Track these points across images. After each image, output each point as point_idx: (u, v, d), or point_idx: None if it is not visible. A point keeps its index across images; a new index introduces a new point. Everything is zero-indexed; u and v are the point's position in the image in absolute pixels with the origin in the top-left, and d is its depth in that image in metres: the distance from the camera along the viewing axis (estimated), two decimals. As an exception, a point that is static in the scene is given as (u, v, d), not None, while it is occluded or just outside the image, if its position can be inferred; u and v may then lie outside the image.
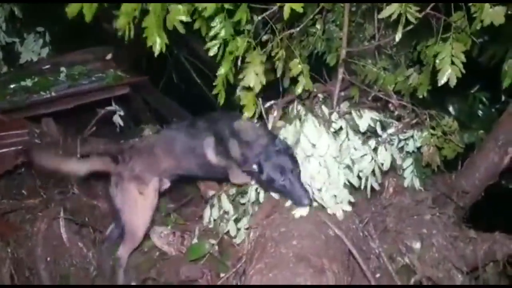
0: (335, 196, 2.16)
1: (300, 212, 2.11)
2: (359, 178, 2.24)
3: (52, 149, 2.86)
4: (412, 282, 2.10)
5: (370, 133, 2.26)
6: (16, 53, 3.61)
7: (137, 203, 2.48)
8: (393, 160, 2.40)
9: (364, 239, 2.24)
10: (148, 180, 2.51)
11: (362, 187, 2.25)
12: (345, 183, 2.19)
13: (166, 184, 2.67)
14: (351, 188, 2.22)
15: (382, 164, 2.23)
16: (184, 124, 2.60)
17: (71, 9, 1.74)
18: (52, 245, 2.52)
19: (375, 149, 2.22)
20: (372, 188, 2.30)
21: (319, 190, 2.16)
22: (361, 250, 2.13)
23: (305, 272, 1.82)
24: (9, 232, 2.50)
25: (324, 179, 2.15)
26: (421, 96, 2.22)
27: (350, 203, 2.17)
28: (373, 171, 2.21)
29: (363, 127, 2.19)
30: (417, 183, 2.43)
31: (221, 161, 2.42)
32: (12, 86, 3.18)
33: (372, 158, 2.18)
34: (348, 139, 2.19)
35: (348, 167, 2.19)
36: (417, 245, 2.20)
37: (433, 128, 2.30)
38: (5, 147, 2.70)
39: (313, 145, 2.14)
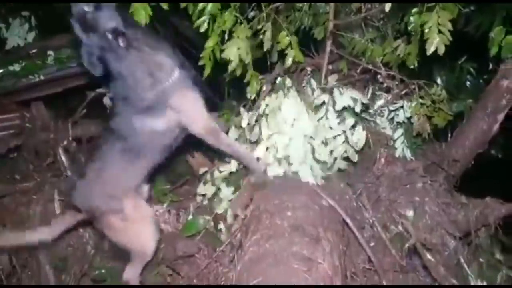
0: (307, 169, 2.17)
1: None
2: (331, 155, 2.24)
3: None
4: (406, 248, 2.11)
5: (350, 111, 2.24)
6: (1, 39, 3.52)
7: (128, 230, 2.31)
8: (384, 131, 2.42)
9: (358, 209, 2.25)
10: (121, 204, 2.29)
11: (333, 164, 2.25)
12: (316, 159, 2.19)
13: (145, 188, 2.54)
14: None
15: (356, 143, 2.23)
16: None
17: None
18: (48, 227, 2.48)
19: (353, 126, 2.22)
20: (364, 159, 2.32)
21: (291, 161, 2.18)
22: (355, 219, 2.14)
23: (300, 240, 1.83)
24: (5, 216, 2.46)
25: (298, 154, 2.16)
26: (411, 67, 2.20)
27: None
28: (345, 152, 2.22)
29: (339, 105, 2.17)
30: (408, 153, 2.44)
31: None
32: (0, 71, 3.11)
33: (346, 139, 2.18)
34: (327, 118, 2.19)
35: (322, 143, 2.18)
36: (410, 213, 2.21)
37: (422, 97, 2.30)
38: (-3, 131, 2.65)
39: (292, 120, 2.14)
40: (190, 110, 2.26)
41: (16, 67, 3.13)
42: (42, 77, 3.04)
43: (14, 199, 2.61)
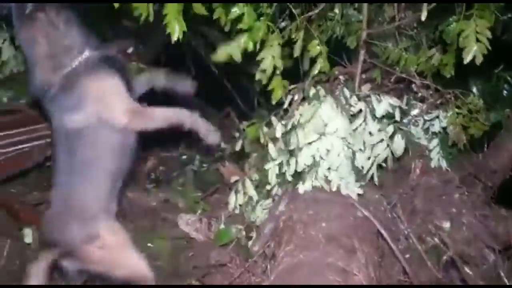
0: (342, 178, 2.15)
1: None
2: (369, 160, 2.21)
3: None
4: (442, 260, 2.07)
5: (389, 119, 2.22)
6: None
7: (111, 257, 2.10)
8: (419, 142, 2.40)
9: (393, 220, 2.23)
10: (95, 230, 2.08)
11: (368, 172, 2.22)
12: (353, 167, 2.19)
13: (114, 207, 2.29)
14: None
15: (396, 151, 2.21)
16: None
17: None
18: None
19: (391, 136, 2.18)
20: (399, 170, 2.29)
21: (328, 169, 2.16)
22: (390, 231, 2.11)
23: (335, 252, 1.83)
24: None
25: (332, 160, 2.14)
26: (448, 76, 2.18)
27: (361, 186, 2.17)
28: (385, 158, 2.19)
29: (379, 112, 2.15)
30: (444, 164, 2.40)
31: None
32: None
33: (388, 146, 2.15)
34: (366, 124, 2.16)
35: (360, 150, 2.17)
36: (446, 225, 2.17)
37: (458, 107, 2.26)
38: (34, 140, 2.73)
39: (325, 124, 2.12)
40: (104, 98, 1.96)
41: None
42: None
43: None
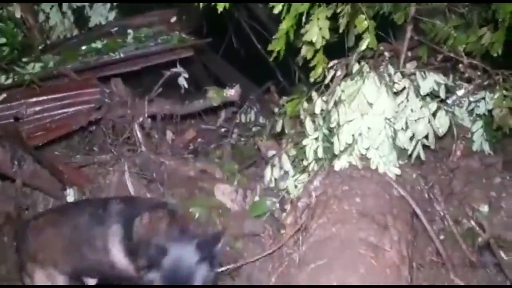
0: (382, 157, 2.16)
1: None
2: (411, 141, 2.21)
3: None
4: (478, 243, 2.09)
5: (433, 96, 2.21)
6: (85, 17, 3.79)
7: None
8: (462, 123, 2.38)
9: (429, 201, 2.24)
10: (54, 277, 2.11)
11: (413, 151, 2.22)
12: (395, 146, 2.19)
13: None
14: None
15: (439, 129, 2.17)
16: (95, 201, 2.18)
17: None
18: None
19: (434, 113, 2.16)
20: (439, 151, 2.30)
21: (367, 149, 2.18)
22: (426, 211, 2.14)
23: (368, 227, 1.87)
24: (85, 184, 2.69)
25: (373, 138, 2.15)
26: (495, 54, 2.14)
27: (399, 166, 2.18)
28: (426, 136, 2.17)
29: (424, 89, 2.14)
30: (486, 147, 2.39)
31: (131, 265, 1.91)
32: (83, 48, 3.35)
33: (429, 122, 2.13)
34: (408, 100, 2.15)
35: (402, 129, 2.17)
36: (484, 208, 2.18)
37: (506, 89, 2.23)
38: (78, 104, 2.87)
39: (370, 104, 2.12)
40: None
41: (98, 44, 3.36)
42: (121, 55, 3.20)
43: (93, 169, 2.81)
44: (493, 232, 2.07)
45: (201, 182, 2.95)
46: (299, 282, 1.72)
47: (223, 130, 3.70)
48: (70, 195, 2.65)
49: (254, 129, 3.61)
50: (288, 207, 2.48)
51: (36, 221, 2.25)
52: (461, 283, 2.04)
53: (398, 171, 2.16)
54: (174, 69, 3.06)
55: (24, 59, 3.17)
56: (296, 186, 2.52)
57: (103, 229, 2.00)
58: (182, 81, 3.10)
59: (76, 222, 2.09)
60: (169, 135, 3.31)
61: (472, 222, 2.18)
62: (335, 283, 1.63)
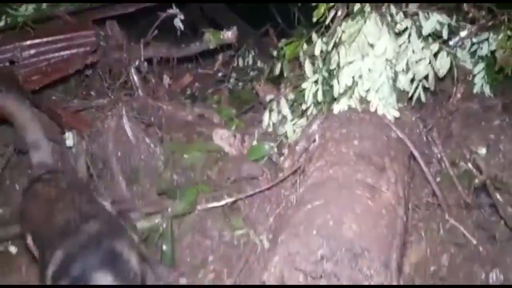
0: (382, 99, 2.15)
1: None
2: (411, 83, 2.20)
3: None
4: (475, 184, 2.11)
5: (435, 37, 2.16)
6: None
7: None
8: (463, 65, 2.35)
9: (427, 144, 2.25)
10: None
11: (413, 93, 2.21)
12: (395, 88, 2.17)
13: None
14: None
15: (439, 70, 2.14)
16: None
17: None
18: (122, 141, 2.71)
19: (435, 54, 2.13)
20: (439, 94, 2.28)
21: (367, 91, 2.17)
22: (423, 153, 2.15)
23: (365, 169, 1.87)
24: (83, 128, 2.69)
25: (374, 80, 2.14)
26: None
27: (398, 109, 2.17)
28: (427, 77, 2.15)
29: (427, 30, 2.09)
30: (487, 90, 2.37)
31: None
32: (76, -11, 3.24)
33: (430, 63, 2.11)
34: (409, 41, 2.12)
35: (402, 71, 2.15)
36: (482, 151, 2.19)
37: (511, 30, 2.17)
38: (74, 48, 2.82)
39: (371, 45, 2.09)
40: None
41: (92, -15, 3.23)
42: (116, -3, 3.10)
43: (91, 113, 2.81)
44: (490, 173, 2.09)
45: (199, 127, 2.94)
46: (296, 222, 1.74)
47: (220, 74, 3.66)
48: (69, 139, 2.64)
49: (252, 73, 3.58)
50: (286, 151, 2.50)
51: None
52: (456, 224, 2.07)
53: (397, 114, 2.15)
54: (170, 11, 2.96)
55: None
56: (294, 131, 2.53)
57: None
58: (178, 23, 3.02)
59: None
60: (166, 79, 3.27)
61: (469, 164, 2.19)
62: (331, 223, 1.65)
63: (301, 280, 1.72)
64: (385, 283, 1.55)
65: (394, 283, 1.57)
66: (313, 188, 1.91)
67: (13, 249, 2.57)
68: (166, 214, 2.41)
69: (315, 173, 1.99)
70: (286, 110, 2.57)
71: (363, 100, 2.18)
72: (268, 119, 2.66)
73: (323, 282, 1.71)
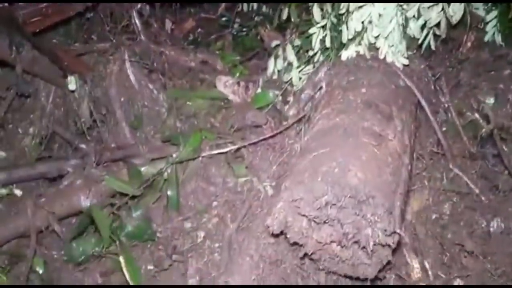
0: (391, 46, 2.11)
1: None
2: (422, 30, 2.14)
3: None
4: (481, 133, 2.11)
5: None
6: None
7: None
8: (476, 12, 2.28)
9: (435, 93, 2.22)
10: None
11: (423, 41, 2.17)
12: (405, 35, 2.12)
13: None
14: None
15: (452, 17, 2.09)
16: None
17: None
18: (125, 86, 2.68)
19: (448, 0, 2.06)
20: (449, 42, 2.23)
21: (376, 38, 2.11)
22: (430, 103, 2.13)
23: (372, 117, 1.85)
24: (85, 72, 2.65)
25: (384, 26, 2.08)
26: None
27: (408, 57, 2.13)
28: (438, 24, 2.10)
29: None
30: (498, 38, 2.31)
31: None
32: None
33: (442, 9, 2.05)
34: None
35: (413, 17, 2.08)
36: (490, 100, 2.16)
37: (526, -24, 2.10)
38: (73, -11, 2.73)
39: None
40: None
41: None
42: None
43: (93, 57, 2.76)
44: (497, 123, 2.07)
45: (202, 73, 2.90)
46: (300, 169, 1.74)
47: (224, 19, 3.55)
48: (72, 83, 2.61)
49: (256, 18, 3.46)
50: (291, 99, 2.48)
51: None
52: (459, 173, 2.08)
53: (406, 61, 2.11)
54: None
55: None
56: (300, 78, 2.48)
57: None
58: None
59: None
60: (168, 24, 3.21)
61: (476, 115, 2.17)
62: (336, 170, 1.65)
63: (304, 225, 1.77)
64: (388, 230, 1.57)
65: (397, 230, 1.58)
66: (319, 135, 1.90)
67: (18, 192, 2.58)
68: (171, 159, 2.42)
69: (321, 121, 1.97)
70: (292, 57, 2.51)
71: (372, 47, 2.13)
72: (273, 66, 2.60)
73: (326, 227, 1.76)
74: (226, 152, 2.43)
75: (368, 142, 1.76)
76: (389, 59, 2.10)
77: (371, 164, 1.69)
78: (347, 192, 1.57)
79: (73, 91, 2.65)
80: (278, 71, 2.61)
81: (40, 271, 2.36)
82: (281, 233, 1.79)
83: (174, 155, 2.43)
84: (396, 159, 1.78)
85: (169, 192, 2.40)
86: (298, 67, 2.50)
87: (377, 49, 2.12)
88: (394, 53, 2.10)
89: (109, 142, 2.69)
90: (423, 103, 2.04)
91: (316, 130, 1.95)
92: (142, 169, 2.49)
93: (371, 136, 1.78)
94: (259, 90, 2.68)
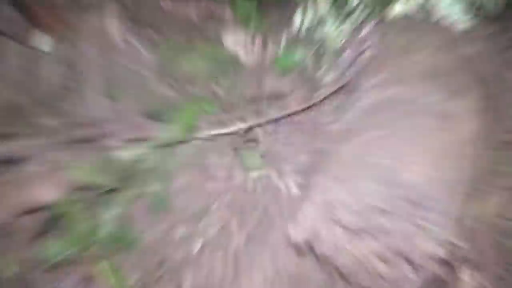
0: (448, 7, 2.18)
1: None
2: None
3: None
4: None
5: None
6: None
7: None
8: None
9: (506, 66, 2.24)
10: None
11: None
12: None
13: None
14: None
15: None
16: None
17: None
18: (107, 45, 2.66)
19: None
20: None
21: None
22: (500, 78, 2.17)
23: (437, 91, 1.91)
24: (59, 27, 2.64)
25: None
26: None
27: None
28: None
29: None
30: None
31: None
32: None
33: None
34: None
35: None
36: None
37: None
38: None
39: None
40: None
41: None
42: None
43: (71, 11, 2.72)
44: None
45: (206, 29, 2.88)
46: (341, 160, 1.80)
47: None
48: (45, 43, 2.63)
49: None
50: (325, 61, 2.47)
51: None
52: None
53: (465, 26, 2.17)
54: None
55: None
56: (337, 36, 2.50)
57: None
58: None
59: None
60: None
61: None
62: (386, 162, 1.63)
63: (337, 234, 1.76)
64: (442, 236, 1.65)
65: (451, 238, 1.68)
66: (365, 114, 1.97)
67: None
68: (155, 142, 2.42)
69: (367, 93, 2.05)
70: (325, 9, 2.55)
71: (427, 7, 2.22)
72: (300, 19, 2.61)
73: (366, 236, 1.75)
74: (232, 133, 2.41)
75: (431, 124, 1.84)
76: (445, 23, 2.18)
77: (431, 155, 1.76)
78: (397, 192, 1.65)
79: (43, 52, 2.66)
80: (307, 27, 2.62)
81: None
82: (306, 243, 1.85)
83: (159, 135, 2.43)
84: (462, 149, 1.86)
85: (153, 187, 2.39)
86: (333, 22, 2.53)
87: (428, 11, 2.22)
88: (451, 15, 2.19)
89: (82, 117, 2.65)
90: (492, 78, 2.10)
91: (362, 107, 2.02)
92: (120, 153, 2.47)
93: (435, 116, 1.87)
94: (281, 49, 2.67)
